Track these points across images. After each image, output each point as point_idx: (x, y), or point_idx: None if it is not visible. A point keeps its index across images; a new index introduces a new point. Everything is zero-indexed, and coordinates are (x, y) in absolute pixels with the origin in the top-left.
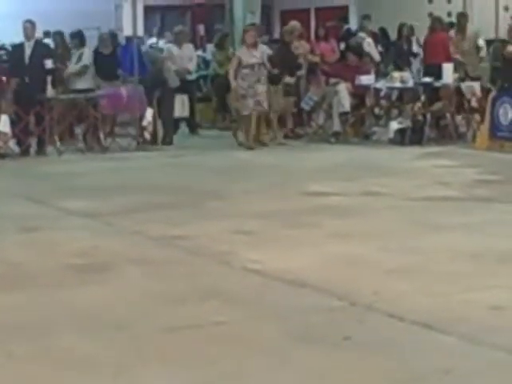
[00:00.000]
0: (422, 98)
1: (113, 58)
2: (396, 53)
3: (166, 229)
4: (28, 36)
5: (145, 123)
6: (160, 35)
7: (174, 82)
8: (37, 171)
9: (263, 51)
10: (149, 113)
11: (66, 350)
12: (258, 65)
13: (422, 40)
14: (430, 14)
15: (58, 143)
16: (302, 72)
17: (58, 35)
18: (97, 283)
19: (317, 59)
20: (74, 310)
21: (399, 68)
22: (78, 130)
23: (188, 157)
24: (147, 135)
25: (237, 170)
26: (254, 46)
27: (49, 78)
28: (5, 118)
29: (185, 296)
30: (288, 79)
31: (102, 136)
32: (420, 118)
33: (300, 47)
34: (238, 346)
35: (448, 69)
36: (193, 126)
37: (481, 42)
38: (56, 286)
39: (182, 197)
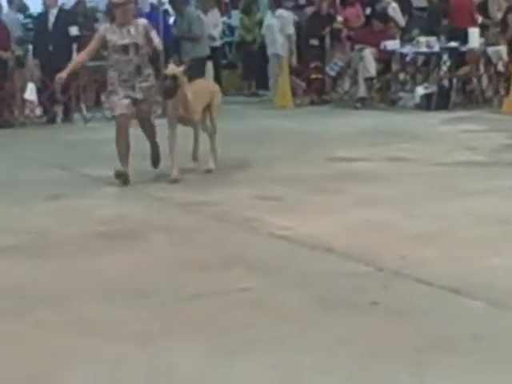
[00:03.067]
0: (448, 62)
1: None
2: (429, 17)
3: (191, 195)
4: (50, 4)
5: None
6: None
7: (204, 49)
8: (63, 139)
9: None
10: None
11: (92, 317)
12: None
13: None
14: None
15: (84, 111)
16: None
17: (81, 3)
18: (123, 250)
19: (340, 26)
20: (100, 278)
21: (430, 33)
22: (104, 98)
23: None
24: None
25: (262, 136)
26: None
27: (74, 46)
28: (31, 86)
29: (211, 262)
30: (313, 41)
31: None
32: (446, 82)
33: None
34: (264, 312)
35: (474, 33)
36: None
37: None
38: (82, 254)
39: None
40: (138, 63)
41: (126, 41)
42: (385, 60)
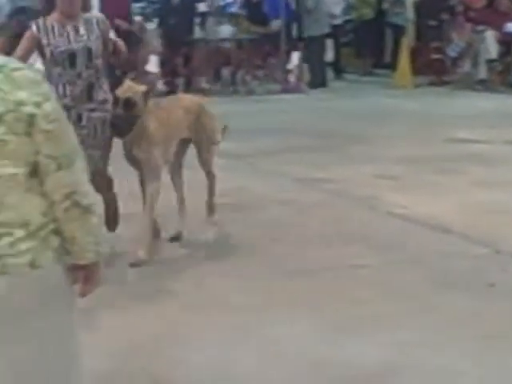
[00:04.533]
0: None
1: (261, 3)
2: None
3: (309, 171)
4: None
5: (290, 66)
6: None
7: (323, 26)
8: None
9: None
10: (295, 56)
11: (205, 288)
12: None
13: None
14: None
15: (205, 84)
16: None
17: None
18: (242, 223)
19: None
20: (215, 249)
21: None
22: (225, 72)
23: (332, 101)
24: (292, 78)
25: (381, 114)
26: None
27: (198, 21)
28: (154, 58)
29: (330, 238)
30: (431, 21)
31: (247, 78)
32: None
33: None
34: (380, 289)
35: None
36: (337, 71)
37: None
38: (200, 226)
39: (326, 140)
40: (91, 81)
41: (73, 45)
42: (507, 42)
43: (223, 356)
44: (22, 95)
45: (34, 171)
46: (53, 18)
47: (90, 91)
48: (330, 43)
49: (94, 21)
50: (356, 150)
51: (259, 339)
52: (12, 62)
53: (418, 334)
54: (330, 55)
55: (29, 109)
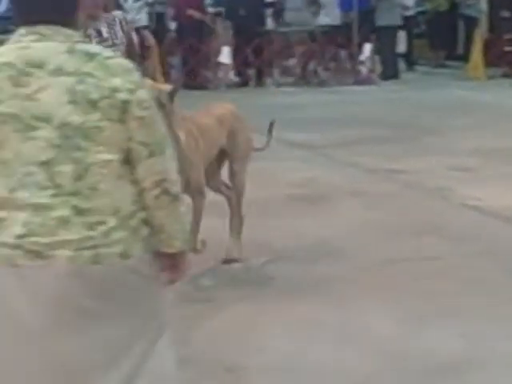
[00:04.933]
0: None
1: None
2: None
3: (382, 162)
4: None
5: (362, 58)
6: None
7: (396, 18)
8: (255, 102)
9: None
10: (367, 48)
11: (286, 277)
12: None
13: None
14: None
15: (277, 75)
16: None
17: None
18: (314, 213)
19: None
20: (292, 239)
21: None
22: (294, 62)
23: (404, 92)
24: (364, 70)
25: (454, 106)
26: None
27: (269, 11)
28: (227, 49)
29: (402, 229)
30: (504, 13)
31: (319, 69)
32: None
33: None
34: (455, 281)
35: None
36: (409, 62)
37: None
38: (274, 216)
39: (399, 131)
40: None
41: None
42: None
43: (299, 345)
44: (117, 82)
45: (126, 158)
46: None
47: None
48: (402, 35)
49: (117, 21)
50: (429, 141)
51: (335, 329)
52: (105, 51)
53: (498, 326)
54: (402, 47)
55: (123, 95)
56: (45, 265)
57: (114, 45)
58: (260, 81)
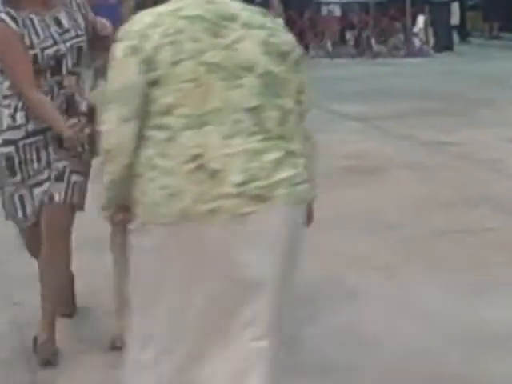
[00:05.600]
0: None
1: None
2: None
3: (435, 134)
4: None
5: (415, 30)
6: None
7: None
8: (309, 74)
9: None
10: (420, 19)
11: (335, 247)
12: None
13: None
14: None
15: (330, 47)
16: None
17: None
18: (367, 185)
19: None
20: (345, 210)
21: None
22: (349, 35)
23: (458, 64)
24: (417, 42)
25: (508, 78)
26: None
27: None
28: (279, 22)
29: (455, 201)
30: None
31: (372, 41)
32: None
33: None
34: (507, 253)
35: None
36: (463, 34)
37: None
38: (327, 187)
39: (452, 103)
40: (71, 91)
41: (61, 46)
42: None
43: (350, 315)
44: (291, 38)
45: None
46: (25, 7)
47: (70, 104)
48: (455, 6)
49: (74, 4)
50: (483, 113)
51: (387, 299)
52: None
53: None
54: (455, 19)
55: (298, 50)
56: (267, 207)
57: (77, 36)
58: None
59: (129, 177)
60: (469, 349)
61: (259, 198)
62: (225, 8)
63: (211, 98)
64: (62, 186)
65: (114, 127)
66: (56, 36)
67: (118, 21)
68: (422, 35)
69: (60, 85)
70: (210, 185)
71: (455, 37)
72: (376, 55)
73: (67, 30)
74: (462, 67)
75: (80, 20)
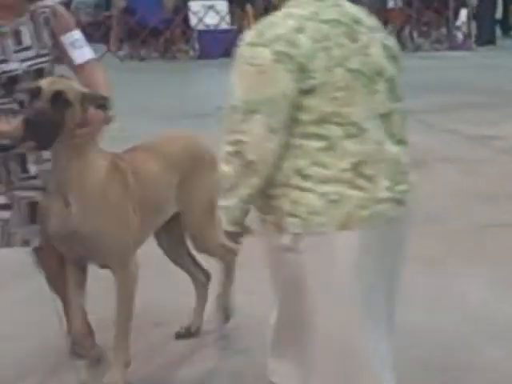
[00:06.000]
0: None
1: None
2: None
3: (478, 128)
4: None
5: (458, 23)
6: None
7: None
8: None
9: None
10: (463, 12)
11: None
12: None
13: None
14: None
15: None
16: None
17: None
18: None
19: None
20: None
21: None
22: (390, 28)
23: (500, 58)
24: (459, 35)
25: None
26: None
27: None
28: None
29: (499, 194)
30: None
31: (414, 34)
32: None
33: None
34: None
35: None
36: (505, 28)
37: None
38: None
39: (495, 97)
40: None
41: (13, 66)
42: None
43: None
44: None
45: None
46: None
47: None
48: (498, 0)
49: (42, 18)
50: None
51: (427, 292)
52: None
53: None
54: (498, 13)
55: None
56: (405, 210)
57: (38, 56)
58: None
59: (264, 190)
60: (509, 344)
61: (401, 202)
62: (351, 10)
63: (360, 105)
64: None
65: (260, 140)
66: (9, 52)
67: (157, 7)
68: (464, 29)
69: (21, 105)
70: (369, 190)
71: (497, 30)
72: (418, 48)
73: (26, 48)
74: (505, 61)
75: (46, 37)
